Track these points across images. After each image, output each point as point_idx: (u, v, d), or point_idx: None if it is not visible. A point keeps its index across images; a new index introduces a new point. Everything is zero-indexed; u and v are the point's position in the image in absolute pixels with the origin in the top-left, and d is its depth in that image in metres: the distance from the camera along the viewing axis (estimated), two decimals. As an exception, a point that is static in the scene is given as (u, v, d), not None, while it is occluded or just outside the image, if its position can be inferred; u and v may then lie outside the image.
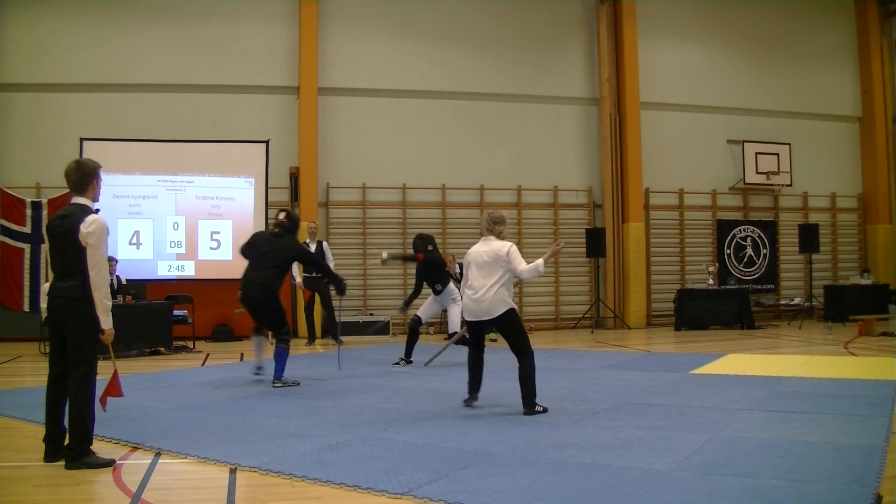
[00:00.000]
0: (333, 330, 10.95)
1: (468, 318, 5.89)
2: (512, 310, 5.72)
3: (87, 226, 4.25)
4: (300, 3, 13.13)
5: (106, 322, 4.33)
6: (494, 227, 5.85)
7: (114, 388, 4.58)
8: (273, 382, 7.04)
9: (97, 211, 4.43)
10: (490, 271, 5.69)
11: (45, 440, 4.32)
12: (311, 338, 11.29)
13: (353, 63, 13.51)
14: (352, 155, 13.46)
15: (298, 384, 7.08)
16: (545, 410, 5.62)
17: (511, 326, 5.76)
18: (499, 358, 9.25)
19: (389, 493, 3.62)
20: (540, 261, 5.68)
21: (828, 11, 15.98)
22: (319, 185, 13.14)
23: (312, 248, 10.92)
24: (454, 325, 8.70)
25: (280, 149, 12.81)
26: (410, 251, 9.14)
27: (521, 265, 5.67)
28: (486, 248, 5.80)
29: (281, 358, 7.12)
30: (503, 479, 3.82)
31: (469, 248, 6.01)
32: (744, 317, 13.48)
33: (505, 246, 5.74)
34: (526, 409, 5.61)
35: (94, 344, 4.35)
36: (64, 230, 4.30)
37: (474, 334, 6.00)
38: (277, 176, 12.83)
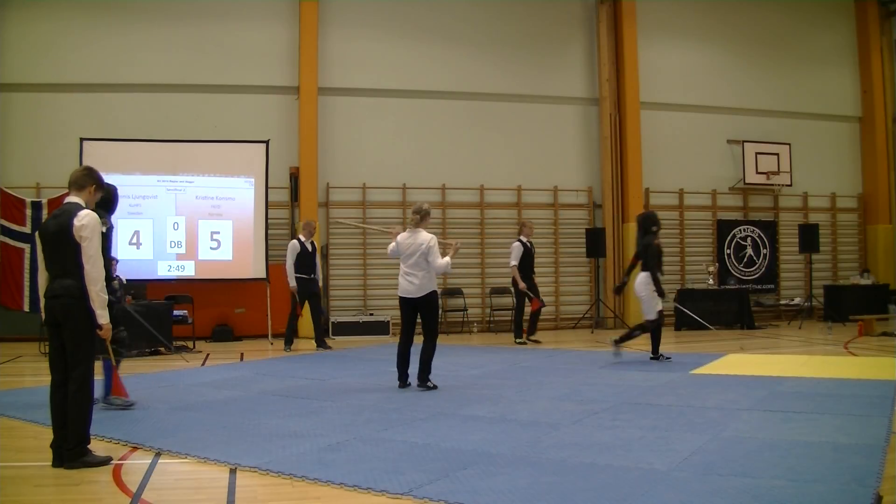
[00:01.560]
0: (319, 335, 10.81)
1: (402, 295, 6.84)
2: (434, 292, 6.77)
3: (79, 219, 4.24)
4: (300, 3, 13.13)
5: (102, 317, 4.29)
6: (414, 217, 6.87)
7: (117, 388, 4.58)
8: (103, 399, 5.83)
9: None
10: (418, 260, 6.69)
11: (52, 446, 4.26)
12: (290, 341, 10.61)
13: (353, 63, 13.50)
14: (352, 155, 13.46)
15: (133, 406, 5.85)
16: (435, 387, 6.69)
17: (432, 306, 6.83)
18: (499, 358, 9.27)
19: (389, 493, 3.62)
20: (447, 258, 6.75)
21: (828, 11, 15.97)
22: (319, 185, 13.14)
23: (309, 247, 10.69)
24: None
25: (280, 149, 12.80)
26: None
27: (437, 259, 6.69)
28: (413, 239, 6.77)
29: (108, 370, 5.86)
30: (503, 479, 3.82)
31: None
32: (744, 317, 13.47)
33: (426, 239, 6.72)
34: (419, 384, 6.70)
35: (93, 344, 4.34)
36: (57, 228, 4.29)
37: (407, 312, 6.88)
38: (277, 176, 12.83)
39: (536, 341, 11.38)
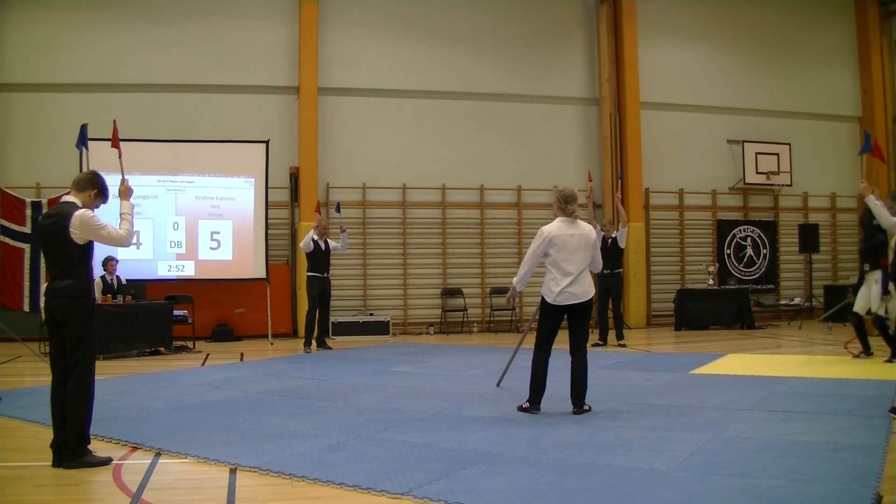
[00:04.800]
0: (321, 335, 10.77)
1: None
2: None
3: (74, 227, 4.24)
4: (300, 3, 13.13)
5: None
6: (570, 206, 5.62)
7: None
8: None
9: None
10: (585, 256, 5.61)
11: (52, 446, 4.25)
12: (309, 341, 10.59)
13: (353, 63, 13.51)
14: (352, 155, 13.46)
15: None
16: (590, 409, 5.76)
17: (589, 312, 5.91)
18: (499, 358, 9.26)
19: (389, 493, 3.62)
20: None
21: (828, 11, 15.98)
22: (319, 185, 13.13)
23: (323, 245, 10.62)
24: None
25: (280, 149, 12.80)
26: None
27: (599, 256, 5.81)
28: (576, 230, 5.59)
29: None
30: (503, 479, 3.82)
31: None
32: (744, 317, 13.48)
33: (591, 230, 5.72)
34: (580, 409, 5.72)
35: (92, 344, 4.34)
36: (54, 228, 4.29)
37: (558, 322, 5.89)
38: (277, 176, 12.83)
39: (623, 345, 10.62)
